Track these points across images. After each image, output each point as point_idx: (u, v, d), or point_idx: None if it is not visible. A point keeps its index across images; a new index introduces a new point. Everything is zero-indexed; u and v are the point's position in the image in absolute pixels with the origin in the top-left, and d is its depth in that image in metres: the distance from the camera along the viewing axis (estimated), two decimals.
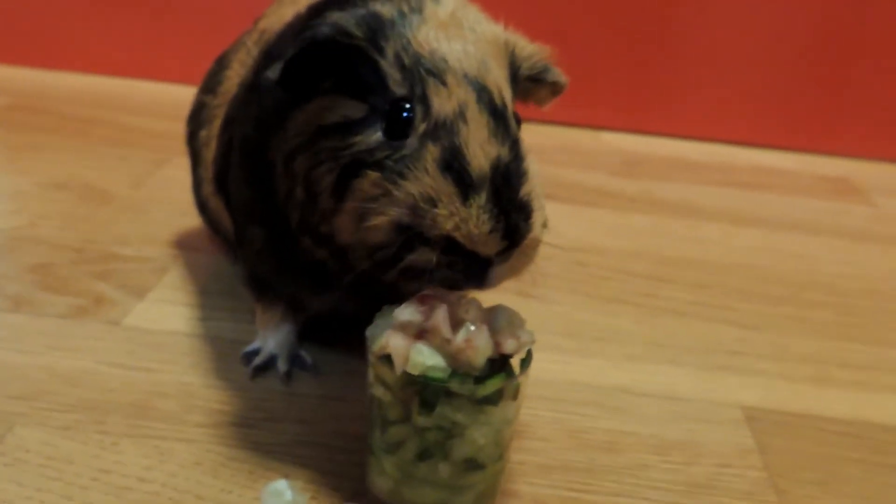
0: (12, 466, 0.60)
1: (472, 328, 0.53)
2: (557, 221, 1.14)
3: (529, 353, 0.56)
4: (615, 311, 0.92)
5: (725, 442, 0.71)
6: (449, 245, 0.52)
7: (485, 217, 0.51)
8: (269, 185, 0.63)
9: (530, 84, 0.63)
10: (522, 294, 0.92)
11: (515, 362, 0.56)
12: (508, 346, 0.54)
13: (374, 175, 0.54)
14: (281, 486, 0.58)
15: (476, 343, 0.52)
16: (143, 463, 0.62)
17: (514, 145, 0.54)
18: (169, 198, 1.06)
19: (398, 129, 0.55)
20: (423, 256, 0.53)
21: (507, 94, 0.57)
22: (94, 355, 0.74)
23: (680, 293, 0.98)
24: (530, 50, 0.62)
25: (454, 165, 0.52)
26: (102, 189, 1.08)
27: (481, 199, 0.51)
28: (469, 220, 0.51)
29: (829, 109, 1.62)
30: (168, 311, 0.82)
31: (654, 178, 1.38)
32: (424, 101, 0.54)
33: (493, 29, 0.59)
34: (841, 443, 0.73)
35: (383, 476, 0.56)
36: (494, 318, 0.55)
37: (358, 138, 0.56)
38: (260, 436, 0.66)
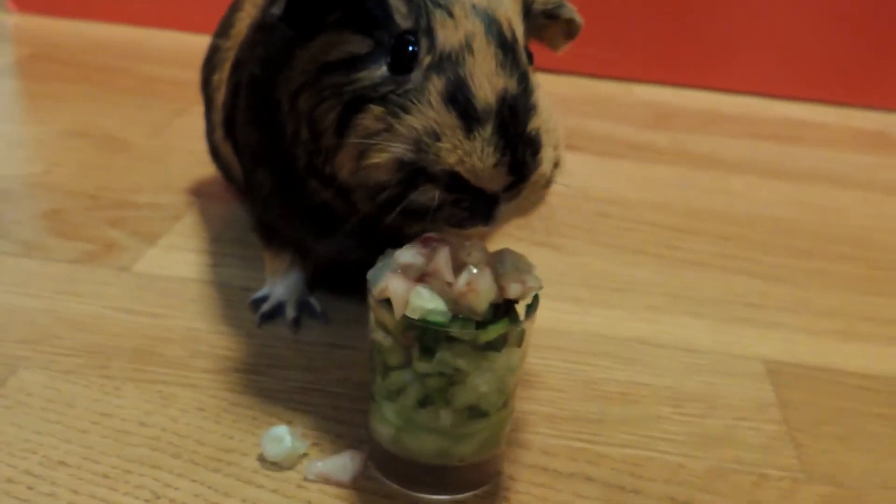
0: (13, 409, 0.60)
1: (475, 271, 0.51)
2: (584, 173, 1.13)
3: (536, 299, 0.54)
4: (636, 262, 0.90)
5: (743, 395, 0.69)
6: (453, 181, 0.50)
7: (489, 150, 0.49)
8: (276, 126, 0.61)
9: (545, 20, 0.61)
10: (542, 244, 0.91)
11: (522, 308, 0.54)
12: (513, 290, 0.52)
13: (377, 109, 0.52)
14: (281, 431, 0.57)
15: (478, 287, 0.50)
16: (144, 407, 0.61)
17: (523, 78, 0.52)
18: (186, 147, 1.05)
19: (403, 62, 0.53)
20: (427, 194, 0.51)
21: (519, 27, 0.54)
22: (102, 300, 0.73)
23: (703, 245, 0.95)
24: None
25: (459, 98, 0.50)
26: (120, 138, 1.07)
27: (486, 131, 0.49)
28: (473, 154, 0.49)
29: (869, 61, 1.56)
30: (178, 258, 0.81)
31: (684, 131, 1.35)
32: (430, 33, 0.52)
33: None
34: (862, 397, 0.71)
35: (384, 423, 0.55)
36: (499, 262, 0.53)
37: (362, 73, 0.54)
38: (264, 382, 0.65)
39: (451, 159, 0.50)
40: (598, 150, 1.22)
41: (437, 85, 0.51)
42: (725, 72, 1.58)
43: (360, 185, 0.55)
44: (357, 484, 0.56)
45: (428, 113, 0.50)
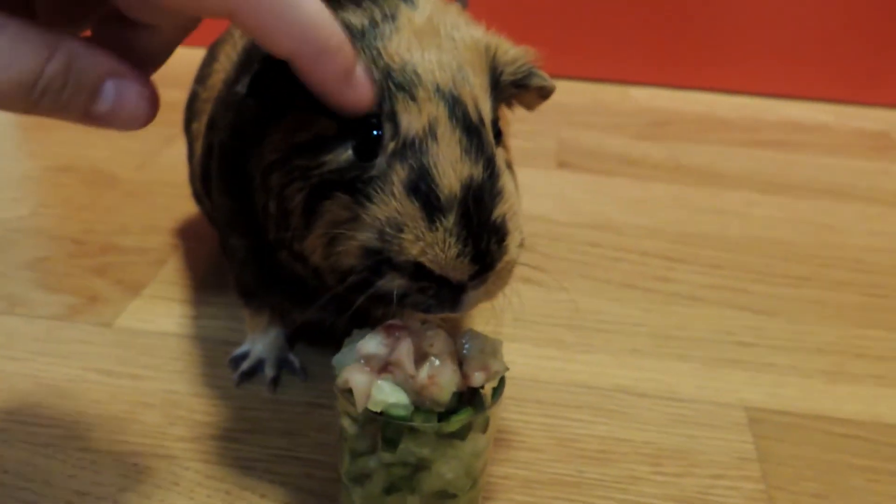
0: None
1: (437, 363, 0.51)
2: (575, 196, 1.12)
3: (502, 382, 0.54)
4: (624, 298, 0.89)
5: (723, 449, 0.69)
6: (418, 270, 0.49)
7: (451, 241, 0.49)
8: (249, 197, 0.61)
9: (515, 90, 0.59)
10: (527, 280, 0.90)
11: (489, 390, 0.54)
12: (476, 379, 0.52)
13: (343, 198, 0.52)
14: None
15: (439, 380, 0.50)
16: (119, 483, 0.61)
17: (489, 163, 0.51)
18: (174, 180, 1.05)
19: (368, 148, 0.52)
20: (393, 282, 0.50)
21: (486, 105, 0.53)
22: (83, 361, 0.74)
23: (694, 276, 0.94)
24: (513, 54, 0.58)
25: (421, 187, 0.49)
26: (108, 172, 1.07)
27: (449, 222, 0.49)
28: (435, 245, 0.49)
29: (871, 56, 1.54)
30: (161, 310, 0.81)
31: (681, 140, 1.34)
32: (393, 118, 0.51)
33: (472, 33, 0.56)
34: (848, 447, 0.70)
35: None
36: (464, 347, 0.53)
37: (329, 157, 0.53)
38: (241, 450, 0.65)
39: (413, 250, 0.49)
40: (590, 167, 1.21)
41: (399, 174, 0.50)
42: (724, 72, 1.56)
43: (330, 269, 0.54)
44: None
45: (391, 203, 0.50)
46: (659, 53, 1.56)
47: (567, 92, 1.49)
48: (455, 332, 0.54)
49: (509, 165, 0.58)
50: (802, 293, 0.92)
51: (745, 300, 0.90)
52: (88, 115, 0.43)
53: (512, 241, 0.52)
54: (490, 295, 0.54)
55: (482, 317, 0.81)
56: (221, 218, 0.68)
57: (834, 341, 0.84)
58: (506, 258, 0.51)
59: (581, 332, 0.83)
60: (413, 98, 0.51)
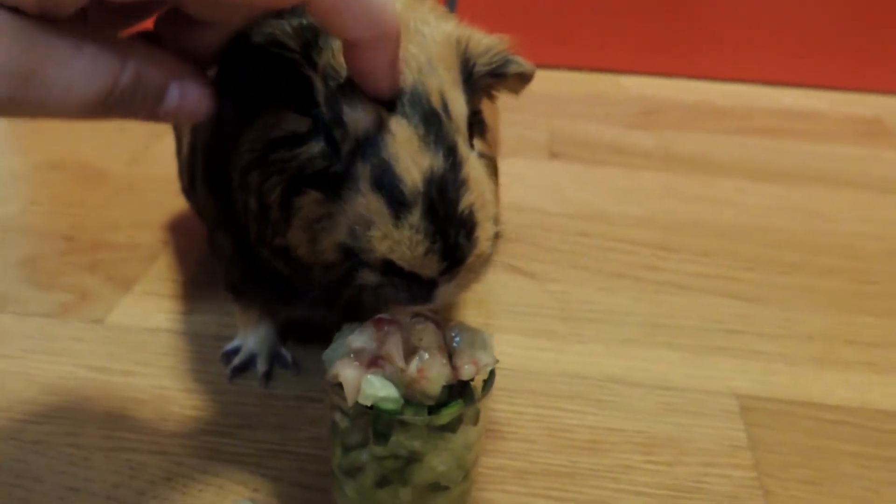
0: None
1: (427, 356, 0.51)
2: (566, 185, 1.12)
3: (492, 375, 0.54)
4: (615, 287, 0.89)
5: (715, 437, 0.69)
6: (389, 267, 0.49)
7: (418, 238, 0.48)
8: (230, 197, 0.61)
9: (493, 79, 0.58)
10: (518, 271, 0.90)
11: (479, 383, 0.54)
12: (466, 371, 0.52)
13: (314, 195, 0.52)
14: None
15: (429, 374, 0.50)
16: (112, 480, 0.62)
17: (450, 152, 0.49)
18: (163, 175, 1.04)
19: (334, 146, 0.52)
20: (368, 278, 0.50)
21: (455, 97, 0.52)
22: (74, 358, 0.74)
23: (684, 264, 0.94)
24: (486, 44, 0.57)
25: (385, 182, 0.48)
26: (98, 167, 1.07)
27: (414, 217, 0.48)
28: (402, 243, 0.48)
29: (863, 43, 1.54)
30: (152, 306, 0.81)
31: (672, 128, 1.34)
32: (339, 119, 0.50)
33: (443, 28, 0.55)
34: (838, 433, 0.71)
35: (345, 498, 0.55)
36: (453, 340, 0.53)
37: (302, 149, 0.53)
38: (233, 445, 0.65)
39: (381, 248, 0.48)
40: (581, 157, 1.21)
41: (363, 170, 0.49)
42: (715, 60, 1.56)
43: (314, 264, 0.54)
44: None
45: (359, 199, 0.49)
46: (649, 42, 1.56)
47: (558, 82, 1.49)
48: (444, 325, 0.54)
49: (486, 156, 0.57)
50: (793, 280, 0.93)
51: (736, 288, 0.90)
52: (155, 115, 0.46)
53: (482, 233, 0.50)
54: (463, 287, 0.53)
55: (473, 308, 0.81)
56: (207, 216, 0.68)
57: (824, 328, 0.85)
58: (476, 251, 0.50)
59: (572, 323, 0.83)
60: (361, 96, 0.50)
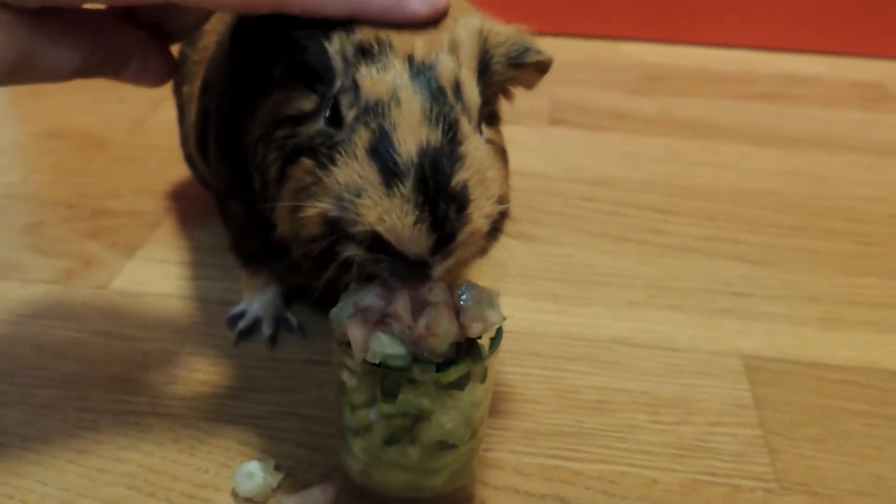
0: None
1: (434, 314, 0.51)
2: (568, 151, 1.11)
3: (499, 333, 0.54)
4: (618, 251, 0.89)
5: (721, 397, 0.69)
6: (376, 242, 0.48)
7: (408, 208, 0.46)
8: (245, 164, 0.60)
9: (512, 70, 0.57)
10: (522, 235, 0.90)
11: (486, 341, 0.54)
12: (474, 329, 0.52)
13: (307, 162, 0.51)
14: (253, 467, 0.58)
15: (437, 330, 0.50)
16: (120, 442, 0.62)
17: (451, 128, 0.49)
18: (165, 143, 1.04)
19: (338, 117, 0.51)
20: (353, 253, 0.49)
21: (467, 80, 0.52)
22: (80, 323, 0.74)
23: (688, 227, 0.94)
24: (505, 34, 0.56)
25: (381, 150, 0.48)
26: (98, 136, 1.07)
27: (406, 187, 0.47)
28: (392, 212, 0.47)
29: (865, 8, 1.53)
30: (156, 272, 0.81)
31: (673, 94, 1.33)
32: (354, 84, 0.50)
33: (470, 21, 0.54)
34: (842, 392, 0.71)
35: (353, 458, 0.56)
36: (461, 298, 0.53)
37: (303, 127, 0.52)
38: (240, 408, 0.65)
39: (370, 217, 0.47)
40: (583, 123, 1.21)
41: (362, 137, 0.48)
42: (717, 26, 1.55)
43: (294, 239, 0.54)
44: None
45: (353, 166, 0.48)
46: (650, 9, 1.55)
47: (559, 49, 1.46)
48: (452, 284, 0.54)
49: (495, 143, 0.56)
50: (795, 243, 0.93)
51: (739, 250, 0.90)
52: (118, 77, 0.59)
53: (476, 210, 0.49)
54: (460, 263, 0.53)
55: (477, 273, 0.81)
56: (220, 183, 0.68)
57: (827, 289, 0.85)
58: (468, 228, 0.49)
59: (576, 286, 0.83)
60: (382, 68, 0.50)
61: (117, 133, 1.08)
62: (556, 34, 1.54)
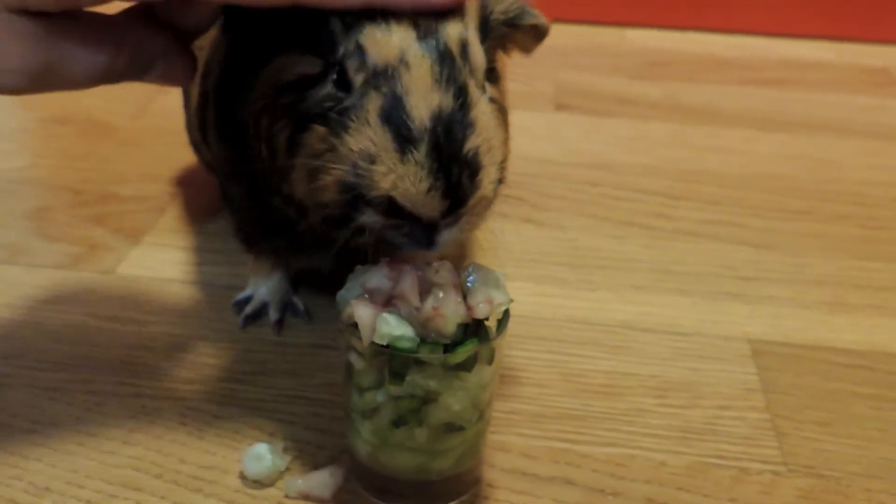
0: None
1: (441, 295, 0.51)
2: (574, 136, 1.11)
3: (506, 315, 0.54)
4: (624, 235, 0.89)
5: (728, 381, 0.69)
6: (391, 207, 0.49)
7: (423, 174, 0.47)
8: (243, 144, 0.60)
9: (508, 30, 0.58)
10: (528, 219, 0.90)
11: (493, 323, 0.54)
12: (480, 310, 0.51)
13: (320, 129, 0.51)
14: (261, 449, 0.58)
15: (444, 311, 0.50)
16: (128, 425, 0.62)
17: (461, 93, 0.49)
18: (169, 128, 1.04)
19: (346, 80, 0.51)
20: (369, 218, 0.50)
21: (473, 42, 0.52)
22: (85, 308, 0.74)
23: (694, 212, 0.94)
24: None
25: (394, 116, 0.48)
26: (103, 121, 1.07)
27: (420, 154, 0.47)
28: (406, 178, 0.47)
29: None
30: (163, 257, 0.81)
31: (678, 80, 1.33)
32: (360, 49, 0.50)
33: None
34: (849, 376, 0.71)
35: (361, 441, 0.56)
36: (468, 279, 0.53)
37: (311, 92, 0.52)
38: (247, 391, 0.65)
39: (385, 184, 0.48)
40: (588, 109, 1.21)
41: (375, 102, 0.49)
42: (722, 12, 1.54)
43: (312, 204, 0.54)
44: (337, 499, 0.57)
45: (365, 132, 0.49)
46: None
47: (564, 35, 1.47)
48: (459, 266, 0.54)
49: (497, 102, 0.56)
50: (801, 227, 0.93)
51: (745, 235, 0.90)
52: (142, 80, 0.56)
53: (486, 176, 0.50)
54: (464, 232, 0.53)
55: (482, 257, 0.81)
56: (219, 165, 0.68)
57: (833, 273, 0.84)
58: (479, 194, 0.50)
59: (582, 270, 0.83)
60: (386, 27, 0.50)
61: (122, 118, 1.08)
62: (561, 20, 1.53)
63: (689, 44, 1.49)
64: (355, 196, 0.49)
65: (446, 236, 0.51)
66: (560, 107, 1.21)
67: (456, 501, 0.57)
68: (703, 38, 1.52)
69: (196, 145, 0.85)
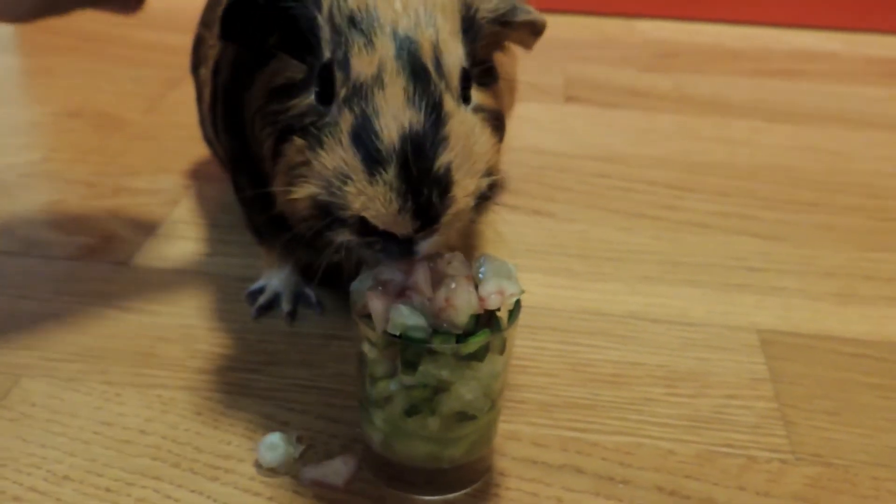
0: (17, 422, 0.62)
1: (454, 286, 0.51)
2: (583, 129, 1.12)
3: (518, 305, 0.54)
4: (634, 227, 0.90)
5: (736, 370, 0.70)
6: (363, 225, 0.49)
7: (392, 196, 0.48)
8: (247, 138, 0.61)
9: (500, 28, 0.57)
10: (537, 212, 0.91)
11: (505, 313, 0.55)
12: (492, 301, 0.52)
13: (299, 142, 0.52)
14: (276, 438, 0.59)
15: (456, 302, 0.51)
16: (145, 414, 0.63)
17: (434, 109, 0.49)
18: (181, 122, 1.05)
19: (327, 93, 0.51)
20: (343, 237, 0.51)
21: (451, 48, 0.52)
22: (101, 299, 0.75)
23: (703, 203, 0.95)
24: None
25: (363, 137, 0.48)
26: (115, 115, 1.08)
27: (388, 175, 0.48)
28: (376, 200, 0.48)
29: None
30: (176, 248, 0.82)
31: (687, 71, 1.33)
32: (346, 63, 0.50)
33: None
34: (857, 366, 0.71)
35: (374, 429, 0.56)
36: (480, 271, 0.54)
37: (294, 101, 0.53)
38: (261, 381, 0.66)
39: (355, 205, 0.49)
40: (598, 100, 1.21)
41: (347, 121, 0.49)
42: (730, 2, 1.54)
43: (291, 217, 0.55)
44: (351, 486, 0.58)
45: (338, 152, 0.49)
46: None
47: (572, 27, 1.48)
48: (471, 258, 0.54)
49: (486, 108, 0.56)
50: (811, 218, 0.93)
51: (754, 226, 0.91)
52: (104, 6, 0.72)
53: (460, 190, 0.50)
54: (446, 238, 0.53)
55: (492, 248, 0.81)
56: (229, 159, 0.69)
57: (842, 264, 0.85)
58: (452, 210, 0.50)
59: (591, 261, 0.84)
60: (370, 41, 0.50)
61: (134, 113, 1.09)
62: (570, 11, 1.54)
63: (698, 35, 1.49)
64: (327, 213, 0.50)
65: (424, 246, 0.51)
66: (569, 99, 1.22)
67: (468, 489, 0.58)
68: (712, 29, 1.52)
69: (209, 140, 0.86)
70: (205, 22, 0.80)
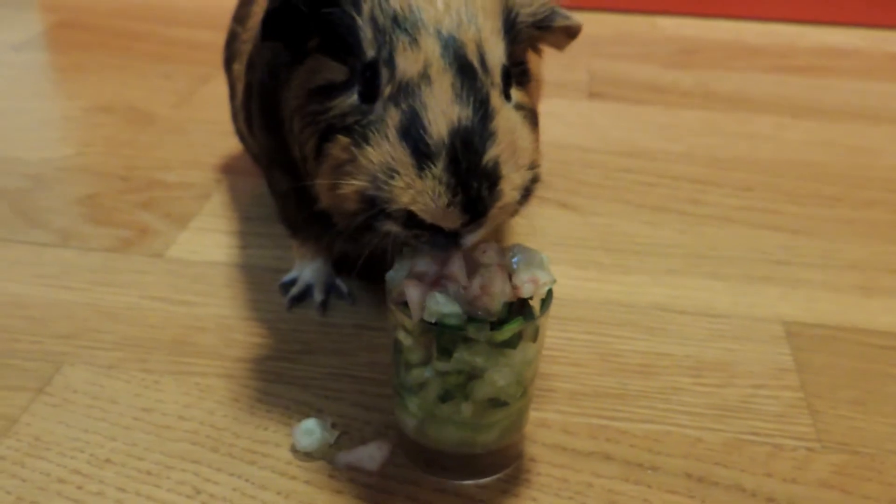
0: (60, 407, 0.63)
1: (488, 274, 0.53)
2: (606, 124, 1.13)
3: (550, 294, 0.56)
4: (658, 221, 0.91)
5: (762, 361, 0.71)
6: (410, 218, 0.50)
7: (441, 189, 0.48)
8: (285, 135, 0.62)
9: (538, 32, 0.58)
10: (563, 205, 0.92)
11: (537, 302, 0.56)
12: (525, 289, 0.54)
13: (343, 140, 0.53)
14: (311, 424, 0.60)
15: (491, 290, 0.52)
16: (183, 401, 0.64)
17: (482, 104, 0.50)
18: (211, 117, 1.07)
19: (371, 92, 0.52)
20: (389, 228, 0.52)
21: (494, 48, 0.53)
22: (138, 290, 0.76)
23: (727, 198, 0.95)
24: None
25: (412, 132, 0.49)
26: (146, 110, 1.09)
27: (437, 169, 0.48)
28: (425, 193, 0.48)
29: None
30: (210, 241, 0.84)
31: (710, 68, 1.34)
32: (391, 61, 0.51)
33: None
34: (882, 357, 0.72)
35: (408, 415, 0.58)
36: (513, 260, 0.55)
37: (336, 101, 0.54)
38: (296, 370, 0.68)
39: (404, 199, 0.49)
40: (621, 97, 1.22)
41: (393, 117, 0.50)
42: (752, 0, 1.55)
43: (336, 212, 0.56)
44: (385, 471, 0.59)
45: (384, 147, 0.50)
46: None
47: (595, 24, 1.49)
48: (504, 247, 0.55)
49: (526, 108, 0.57)
50: (834, 213, 0.94)
51: (778, 220, 0.91)
52: None
53: (507, 185, 0.51)
54: (491, 229, 0.54)
55: (519, 241, 0.82)
56: (265, 154, 0.70)
57: (866, 258, 0.86)
58: (499, 203, 0.50)
59: (617, 254, 0.85)
60: (414, 40, 0.51)
61: (163, 107, 1.11)
62: (592, 8, 1.55)
63: (720, 31, 1.50)
64: (375, 207, 0.51)
65: (470, 239, 0.52)
66: (593, 95, 1.23)
67: (499, 474, 0.59)
68: (734, 25, 1.53)
69: (241, 135, 0.87)
70: (238, 17, 0.82)
